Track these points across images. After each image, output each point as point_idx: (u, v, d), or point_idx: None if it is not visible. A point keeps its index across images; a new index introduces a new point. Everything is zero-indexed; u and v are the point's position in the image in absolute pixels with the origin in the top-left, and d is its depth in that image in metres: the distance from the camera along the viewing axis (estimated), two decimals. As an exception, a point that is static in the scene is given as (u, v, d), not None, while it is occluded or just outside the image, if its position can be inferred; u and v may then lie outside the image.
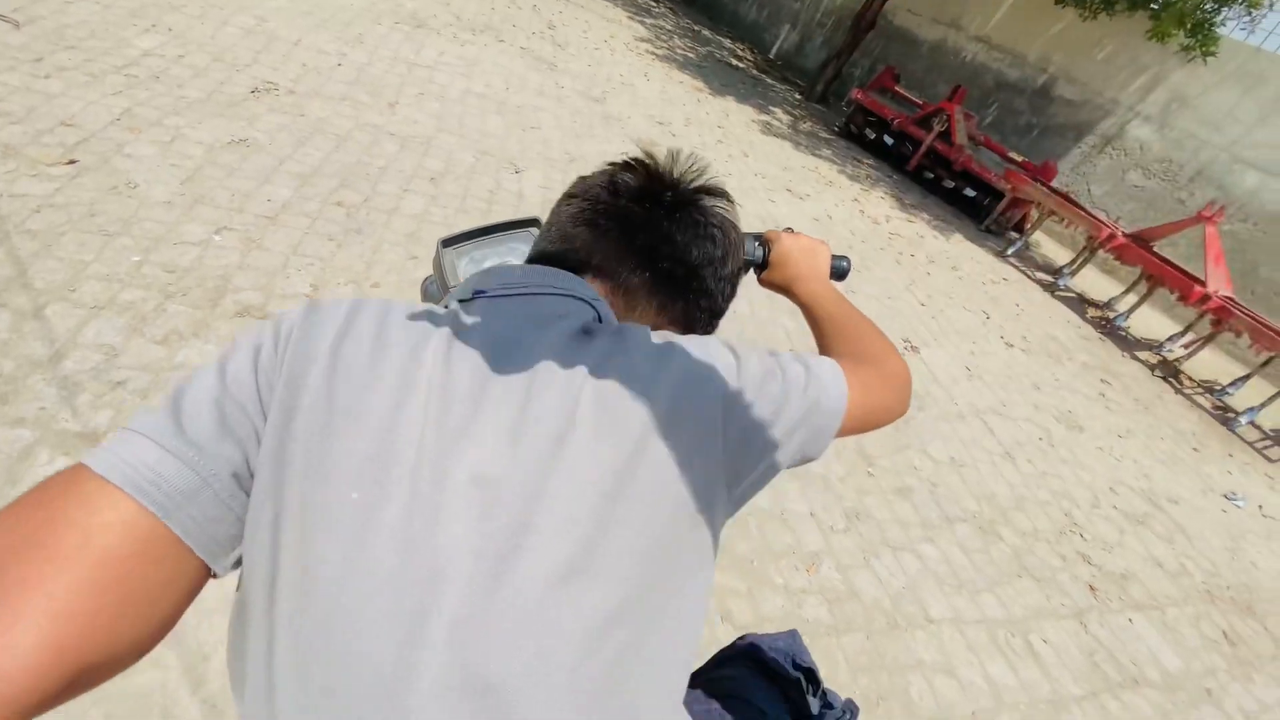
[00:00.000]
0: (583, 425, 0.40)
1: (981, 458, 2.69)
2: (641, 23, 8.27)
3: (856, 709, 0.72)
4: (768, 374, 0.48)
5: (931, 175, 6.46)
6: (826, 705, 0.69)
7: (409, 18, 4.69)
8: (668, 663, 0.40)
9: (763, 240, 0.76)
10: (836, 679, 1.59)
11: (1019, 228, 6.02)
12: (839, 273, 0.80)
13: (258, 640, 0.37)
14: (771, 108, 7.02)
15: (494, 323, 0.45)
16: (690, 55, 7.75)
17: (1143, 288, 4.82)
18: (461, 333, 0.43)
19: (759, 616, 1.65)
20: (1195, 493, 3.22)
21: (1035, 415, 3.22)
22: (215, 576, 0.39)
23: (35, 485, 0.36)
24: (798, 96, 8.24)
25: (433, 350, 0.41)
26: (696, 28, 9.89)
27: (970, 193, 6.06)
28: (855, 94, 6.82)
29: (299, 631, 0.35)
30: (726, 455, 0.44)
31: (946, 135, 6.06)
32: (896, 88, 6.89)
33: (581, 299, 0.50)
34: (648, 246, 0.54)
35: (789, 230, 0.78)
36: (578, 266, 0.54)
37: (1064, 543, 2.42)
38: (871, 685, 1.61)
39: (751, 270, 0.77)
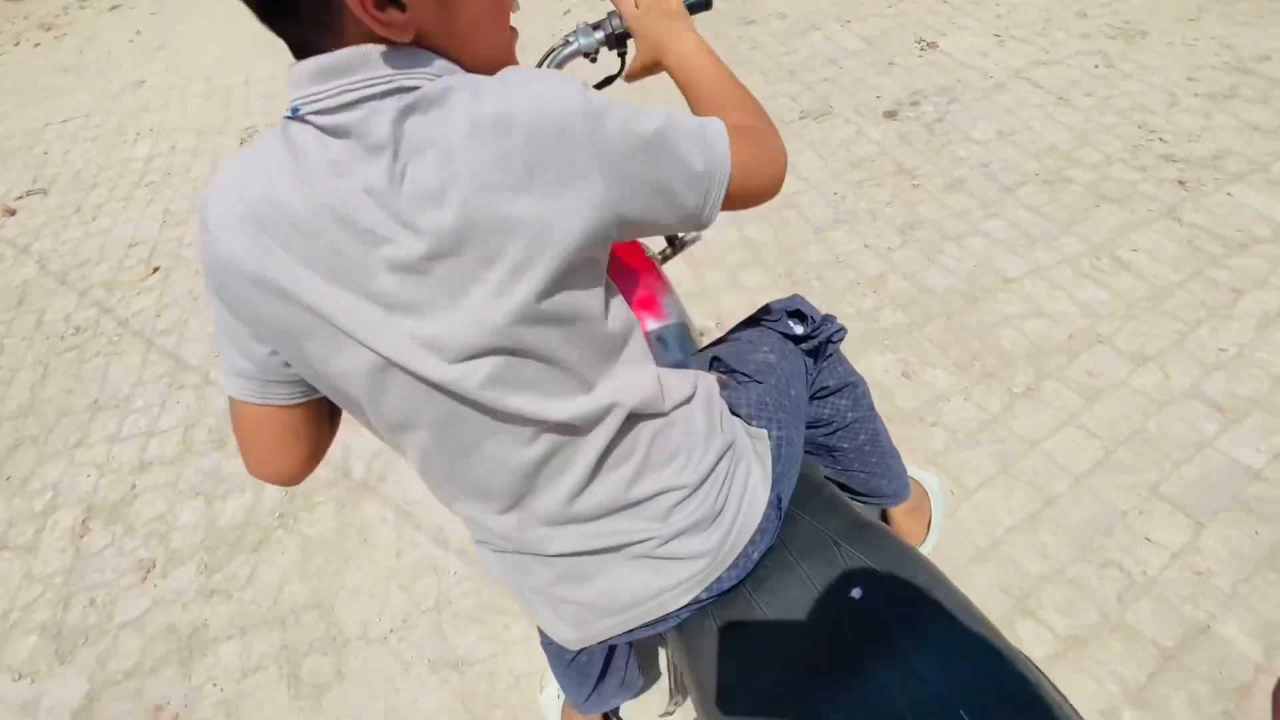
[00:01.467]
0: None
1: (1032, 116, 2.56)
2: None
3: (838, 324, 0.90)
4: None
5: None
6: (813, 328, 0.87)
7: None
8: None
9: (614, 16, 0.74)
10: (926, 359, 1.77)
11: None
12: (700, 6, 0.74)
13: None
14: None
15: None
16: None
17: None
18: None
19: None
20: (1301, 32, 2.83)
21: (1085, 45, 2.93)
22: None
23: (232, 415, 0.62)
24: None
25: None
26: None
27: None
28: None
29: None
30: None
31: None
32: None
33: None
34: None
35: None
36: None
37: (1141, 155, 2.32)
38: (962, 353, 1.77)
39: (617, 60, 0.75)
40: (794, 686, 0.56)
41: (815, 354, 0.87)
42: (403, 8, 0.43)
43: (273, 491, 1.71)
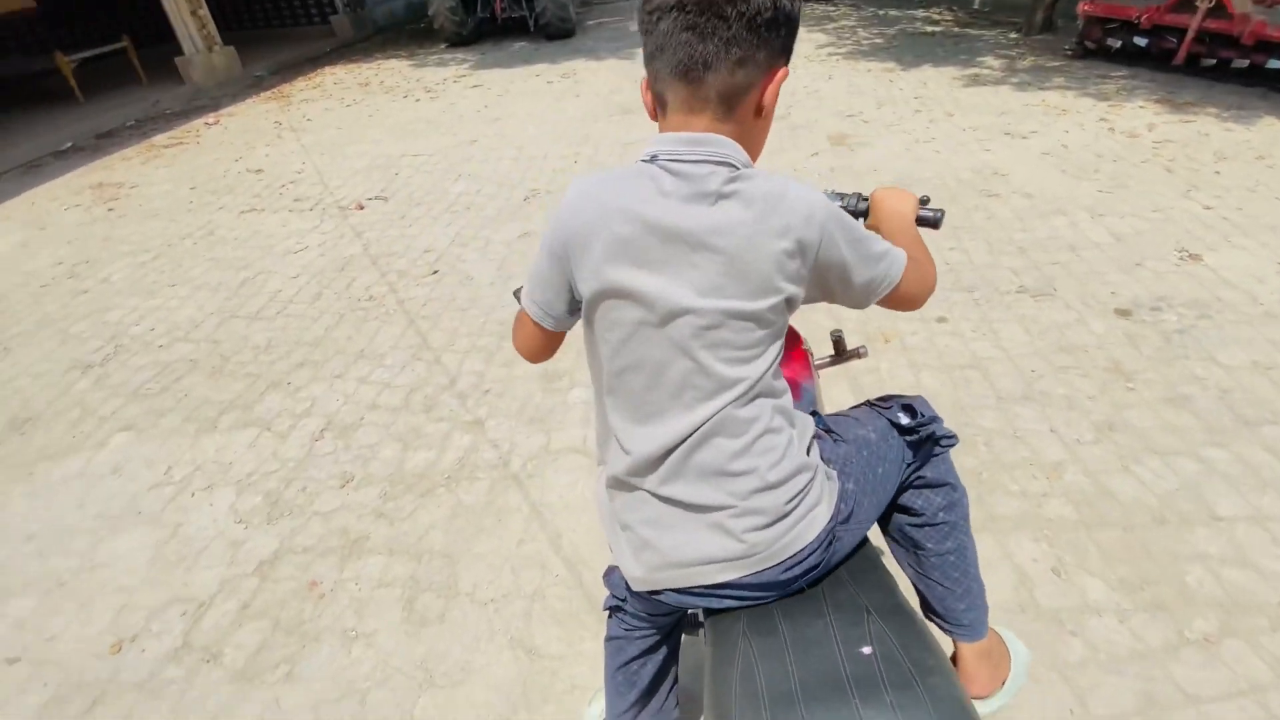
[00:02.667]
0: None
1: (1305, 356, 2.26)
2: (821, 30, 8.42)
3: (949, 431, 0.97)
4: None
5: (1213, 61, 5.29)
6: (919, 422, 0.94)
7: (618, 109, 5.69)
8: None
9: (864, 198, 1.00)
10: (1088, 565, 1.61)
11: (1371, 81, 4.56)
12: (930, 223, 0.97)
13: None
14: (979, 59, 6.52)
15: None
16: (877, 41, 7.63)
17: None
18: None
19: (989, 515, 1.76)
20: None
21: (1406, 299, 2.52)
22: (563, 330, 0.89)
23: (517, 319, 0.91)
24: (1013, 36, 7.44)
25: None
26: (881, 12, 9.61)
27: (1277, 63, 4.82)
28: (1083, 7, 5.98)
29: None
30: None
31: (1220, 9, 4.96)
32: (1137, -19, 5.85)
33: (721, 162, 0.71)
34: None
35: (887, 187, 1.00)
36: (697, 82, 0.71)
37: None
38: (1132, 573, 1.59)
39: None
40: (790, 697, 0.67)
41: (916, 447, 0.96)
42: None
43: (450, 457, 2.08)
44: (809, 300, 0.78)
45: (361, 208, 4.09)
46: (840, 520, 0.83)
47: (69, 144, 6.63)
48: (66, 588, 1.80)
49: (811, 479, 0.80)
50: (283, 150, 5.44)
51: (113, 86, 8.54)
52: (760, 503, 0.76)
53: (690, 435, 0.76)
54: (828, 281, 0.77)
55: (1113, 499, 1.78)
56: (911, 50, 7.06)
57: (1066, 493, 1.81)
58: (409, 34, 11.08)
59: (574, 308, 0.83)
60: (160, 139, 6.27)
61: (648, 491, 0.80)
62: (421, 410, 2.30)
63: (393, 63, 8.80)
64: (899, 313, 2.63)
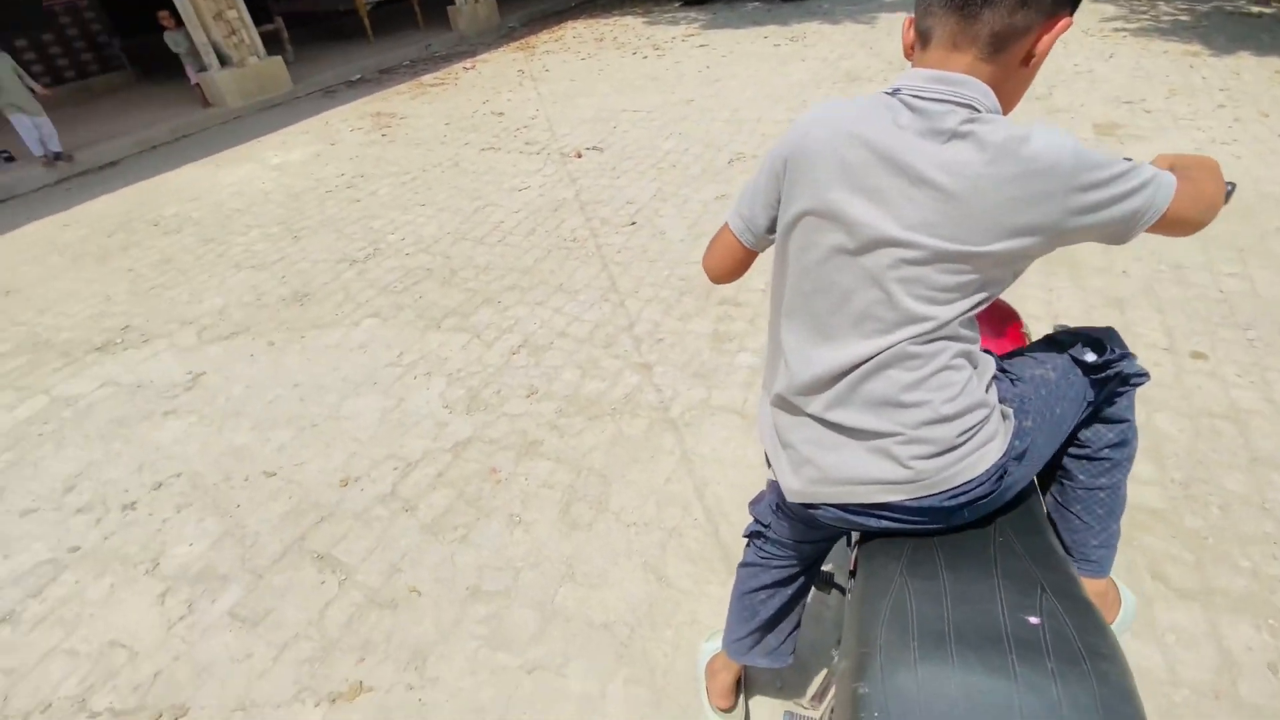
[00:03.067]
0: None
1: None
2: (1109, 2, 7.14)
3: (1140, 367, 0.88)
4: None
5: None
6: (1105, 359, 0.86)
7: (844, 76, 5.41)
8: None
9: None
10: (1325, 675, 1.33)
11: None
12: (1226, 195, 0.85)
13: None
14: (1330, 46, 5.10)
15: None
16: (1182, 18, 6.29)
17: None
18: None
19: (1205, 586, 1.51)
20: None
21: None
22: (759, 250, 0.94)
23: (717, 234, 0.96)
24: (1395, 17, 5.68)
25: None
26: (1200, -19, 7.85)
27: None
28: None
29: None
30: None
31: None
32: None
33: (965, 104, 0.70)
34: None
35: (1174, 154, 0.86)
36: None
37: None
38: (1394, 701, 1.28)
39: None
40: (941, 637, 0.66)
41: (1101, 385, 0.89)
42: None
43: (618, 391, 2.26)
44: (1053, 247, 0.72)
45: (579, 156, 4.42)
46: (1014, 456, 0.81)
47: (358, 75, 7.94)
48: (317, 429, 2.29)
49: (988, 416, 0.79)
50: (522, 97, 6.01)
51: (396, 28, 9.98)
52: (931, 434, 0.76)
53: (864, 363, 0.77)
54: (1076, 229, 0.70)
55: (1386, 609, 1.43)
56: (1226, 32, 5.73)
57: (1316, 585, 1.48)
58: (647, -8, 11.42)
59: (774, 227, 0.86)
60: (427, 78, 7.25)
61: (811, 416, 0.83)
62: (601, 345, 2.51)
63: (628, 19, 9.17)
64: (1143, 338, 2.27)
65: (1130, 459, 0.95)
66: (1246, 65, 4.89)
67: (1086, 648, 0.64)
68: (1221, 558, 1.58)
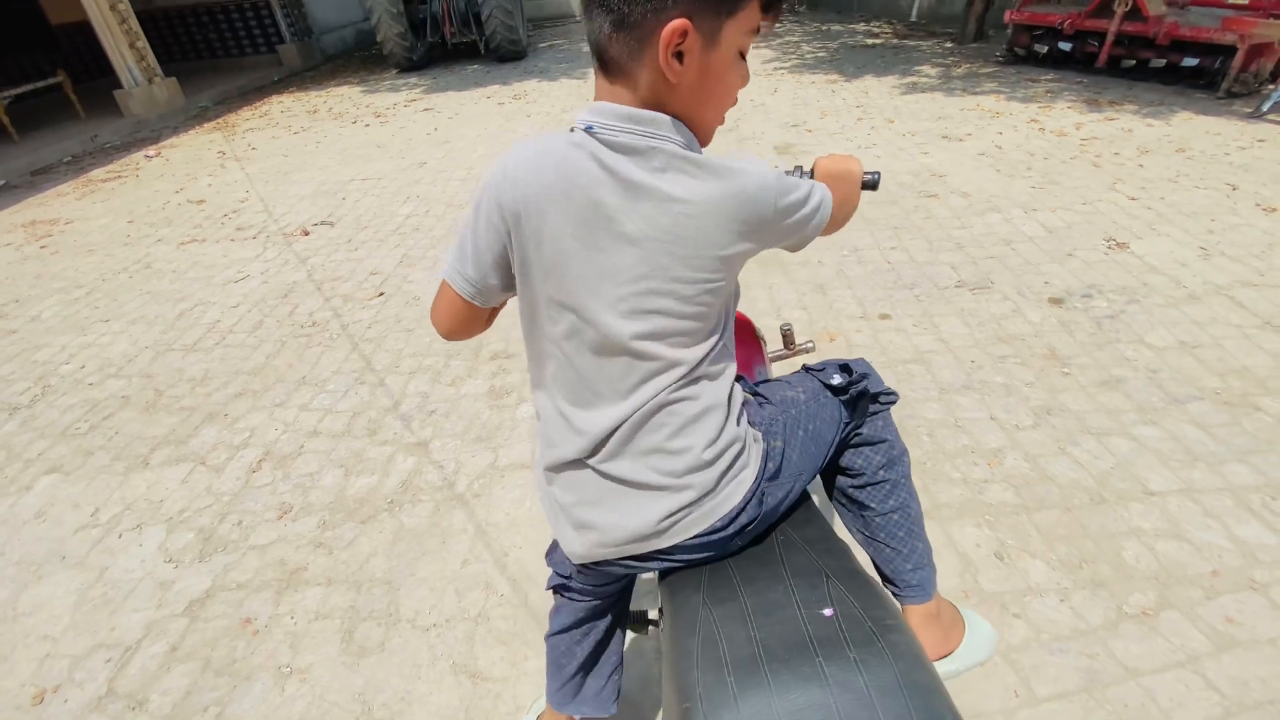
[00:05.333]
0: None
1: (1226, 334, 2.35)
2: (768, 46, 8.63)
3: (888, 389, 0.98)
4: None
5: (1133, 62, 5.57)
6: (849, 380, 0.95)
7: (568, 127, 5.72)
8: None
9: (806, 171, 0.95)
10: (1029, 548, 1.64)
11: (1275, 77, 4.85)
12: (870, 185, 0.95)
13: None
14: (916, 68, 6.75)
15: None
16: (820, 55, 7.85)
17: None
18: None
19: (933, 504, 1.78)
20: None
21: (1317, 275, 2.65)
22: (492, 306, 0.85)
23: (439, 291, 0.84)
24: (948, 45, 7.73)
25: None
26: (825, 26, 9.91)
27: (1191, 61, 5.09)
28: (1009, 16, 6.26)
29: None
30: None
31: (1136, 13, 5.24)
32: (1058, -10, 6.17)
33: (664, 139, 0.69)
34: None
35: (828, 156, 0.95)
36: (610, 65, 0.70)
37: (1365, 401, 2.01)
38: (1072, 552, 1.62)
39: None
40: (754, 660, 0.66)
41: (852, 405, 0.96)
42: (682, 62, 0.67)
43: (393, 481, 2.02)
44: (748, 256, 0.77)
45: (306, 234, 4.01)
46: (768, 477, 0.84)
47: (2, 182, 6.38)
48: (-20, 643, 1.68)
49: (742, 448, 0.82)
50: (226, 180, 5.32)
51: (49, 122, 8.28)
52: (694, 479, 0.78)
53: (631, 416, 0.76)
54: (769, 240, 0.77)
55: (1051, 481, 1.82)
56: (853, 62, 7.28)
57: (1007, 478, 1.84)
58: (360, 60, 11.03)
59: (510, 283, 0.80)
60: (98, 173, 6.08)
61: (592, 469, 0.80)
62: (364, 434, 2.24)
63: (342, 89, 8.73)
64: (843, 311, 2.68)
65: (906, 475, 0.99)
66: (871, 85, 6.23)
67: (875, 624, 0.68)
68: (939, 476, 1.88)
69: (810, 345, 1.52)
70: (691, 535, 0.80)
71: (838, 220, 0.87)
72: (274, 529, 1.90)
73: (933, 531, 1.68)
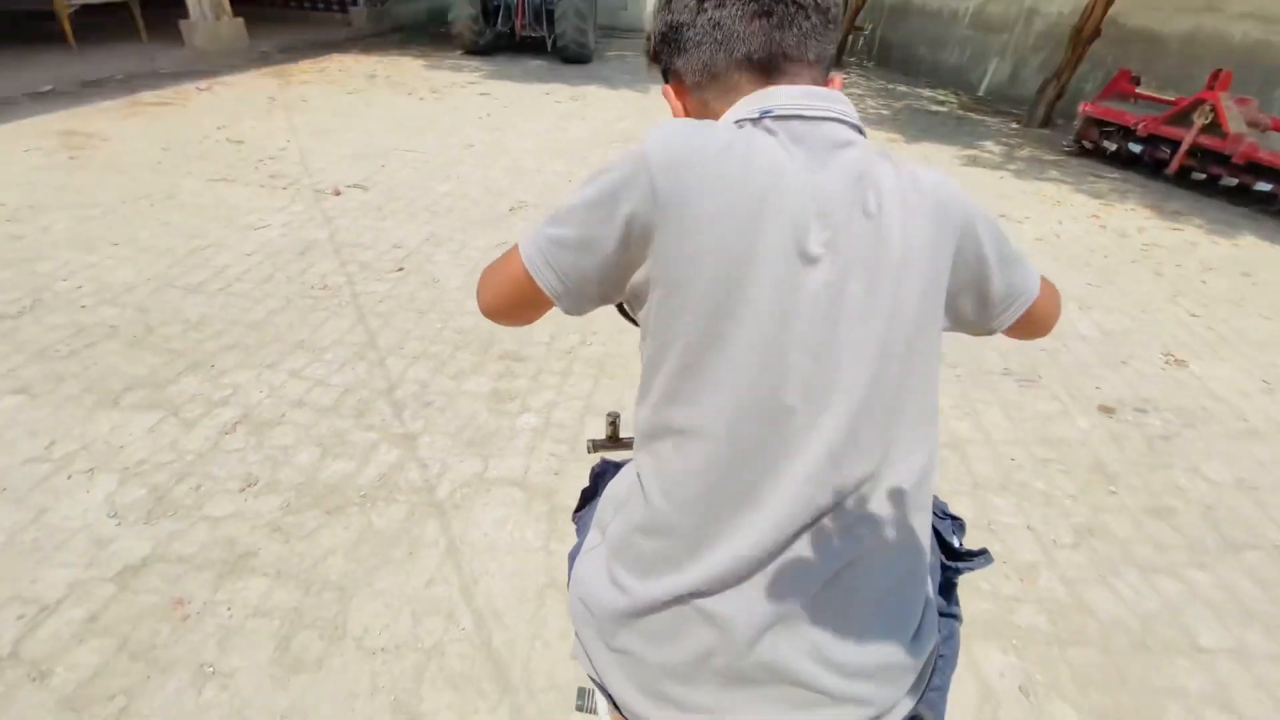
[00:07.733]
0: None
1: (1289, 481, 2.16)
2: (832, 93, 8.56)
3: (988, 554, 0.77)
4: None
5: (1203, 175, 5.42)
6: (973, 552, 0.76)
7: (620, 136, 5.62)
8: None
9: None
10: (1059, 688, 1.44)
11: (1352, 215, 4.69)
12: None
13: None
14: (980, 142, 6.64)
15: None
16: (884, 112, 7.76)
17: None
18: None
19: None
20: None
21: (1388, 435, 2.47)
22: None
23: (506, 252, 0.65)
24: (1014, 126, 7.63)
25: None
26: (891, 85, 9.85)
27: (1264, 186, 4.94)
28: (1084, 107, 6.15)
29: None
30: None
31: (1215, 127, 5.10)
32: (1136, 91, 6.06)
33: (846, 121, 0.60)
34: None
35: None
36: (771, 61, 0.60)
37: None
38: (1108, 703, 1.42)
39: None
40: None
41: (942, 571, 0.75)
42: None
43: (371, 472, 1.86)
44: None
45: (338, 194, 3.89)
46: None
47: (49, 87, 6.34)
48: (-112, 569, 1.52)
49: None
50: (270, 126, 5.24)
51: (111, 39, 8.30)
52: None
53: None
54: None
55: (1089, 614, 1.63)
56: (916, 125, 7.18)
57: (1040, 600, 1.65)
58: (429, 36, 11.06)
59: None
60: (146, 96, 6.03)
61: (742, 653, 0.58)
62: (352, 415, 2.08)
63: (405, 60, 8.72)
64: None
65: (957, 653, 0.76)
66: (931, 151, 6.11)
67: None
68: (966, 583, 1.70)
69: None
70: None
71: (1048, 311, 0.70)
72: (232, 501, 1.73)
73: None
